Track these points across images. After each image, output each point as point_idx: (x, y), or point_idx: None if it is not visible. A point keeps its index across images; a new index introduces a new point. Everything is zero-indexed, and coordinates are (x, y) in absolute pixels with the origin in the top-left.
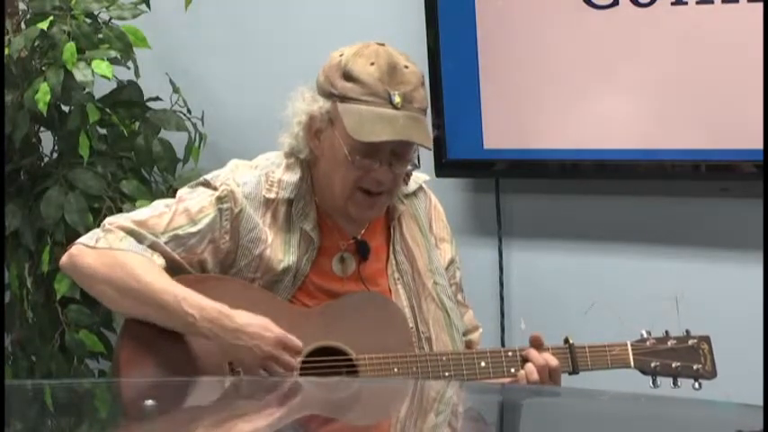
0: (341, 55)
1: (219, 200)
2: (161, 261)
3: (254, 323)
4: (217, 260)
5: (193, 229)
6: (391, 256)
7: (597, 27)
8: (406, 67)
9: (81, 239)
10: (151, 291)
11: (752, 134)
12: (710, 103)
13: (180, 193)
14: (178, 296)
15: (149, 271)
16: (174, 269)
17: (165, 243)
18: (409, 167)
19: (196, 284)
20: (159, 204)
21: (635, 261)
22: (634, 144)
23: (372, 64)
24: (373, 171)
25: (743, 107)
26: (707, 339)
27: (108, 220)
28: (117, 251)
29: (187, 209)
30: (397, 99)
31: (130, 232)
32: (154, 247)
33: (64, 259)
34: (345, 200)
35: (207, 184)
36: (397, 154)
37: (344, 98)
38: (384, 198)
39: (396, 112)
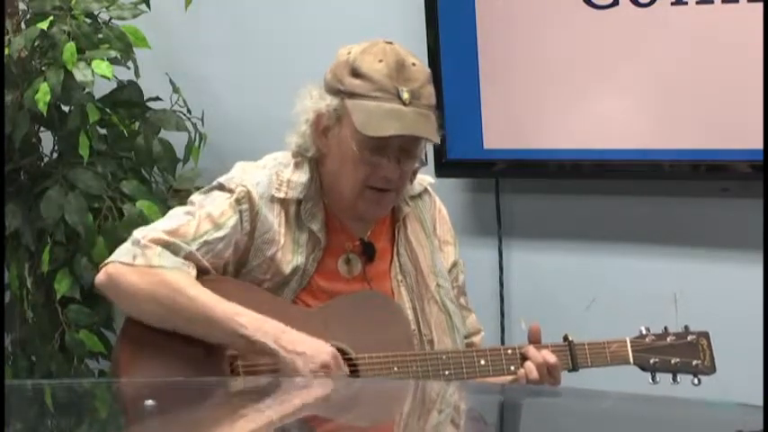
0: (348, 53)
1: (238, 202)
2: (194, 271)
3: (307, 343)
4: (235, 259)
5: (220, 234)
6: (395, 257)
7: (597, 27)
8: (414, 64)
9: (115, 257)
10: (199, 307)
11: (752, 134)
12: (710, 103)
13: (195, 199)
14: (227, 312)
15: (194, 287)
16: (201, 275)
17: (197, 250)
18: (417, 165)
19: None
20: (179, 212)
21: (635, 261)
22: (634, 144)
23: (381, 61)
24: (381, 168)
25: (743, 107)
26: (706, 335)
27: (139, 233)
28: (158, 268)
29: (209, 214)
30: (405, 95)
31: (166, 245)
32: (189, 257)
33: (101, 278)
34: (354, 197)
35: (222, 188)
36: (405, 150)
37: (353, 95)
38: (392, 195)
39: (404, 108)
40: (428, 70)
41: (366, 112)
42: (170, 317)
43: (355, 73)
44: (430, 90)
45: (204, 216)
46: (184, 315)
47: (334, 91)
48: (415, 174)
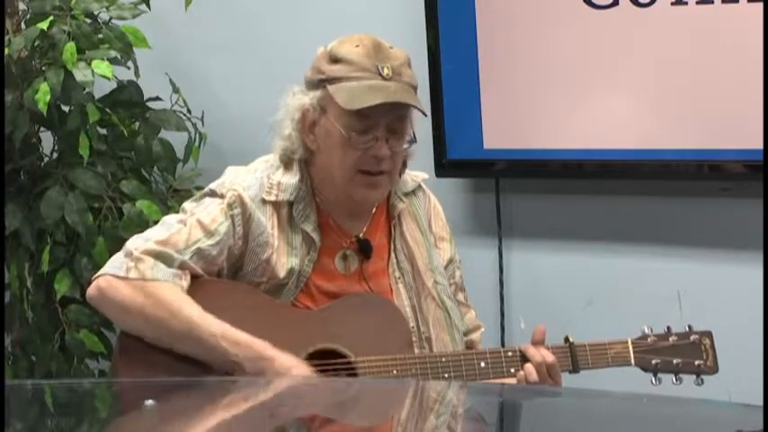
0: (325, 47)
1: (230, 206)
2: (187, 281)
3: (296, 370)
4: (230, 264)
5: (212, 241)
6: (392, 254)
7: (597, 27)
8: (391, 47)
9: (108, 269)
10: (189, 328)
11: (752, 134)
12: (710, 103)
13: (187, 206)
14: (216, 334)
15: (185, 305)
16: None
17: (190, 259)
18: (406, 145)
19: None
20: (171, 220)
21: (635, 261)
22: (634, 144)
23: (357, 46)
24: (371, 148)
25: (743, 107)
26: (709, 335)
27: (131, 245)
28: (151, 282)
29: (200, 221)
30: (386, 71)
31: (158, 256)
32: (182, 266)
33: (92, 292)
34: (347, 184)
35: (213, 194)
36: (393, 129)
37: (333, 79)
38: (385, 179)
39: (387, 82)
40: (407, 53)
41: (348, 90)
42: (158, 334)
43: (334, 59)
44: (411, 72)
45: (195, 224)
46: (172, 334)
47: (315, 83)
48: (405, 164)
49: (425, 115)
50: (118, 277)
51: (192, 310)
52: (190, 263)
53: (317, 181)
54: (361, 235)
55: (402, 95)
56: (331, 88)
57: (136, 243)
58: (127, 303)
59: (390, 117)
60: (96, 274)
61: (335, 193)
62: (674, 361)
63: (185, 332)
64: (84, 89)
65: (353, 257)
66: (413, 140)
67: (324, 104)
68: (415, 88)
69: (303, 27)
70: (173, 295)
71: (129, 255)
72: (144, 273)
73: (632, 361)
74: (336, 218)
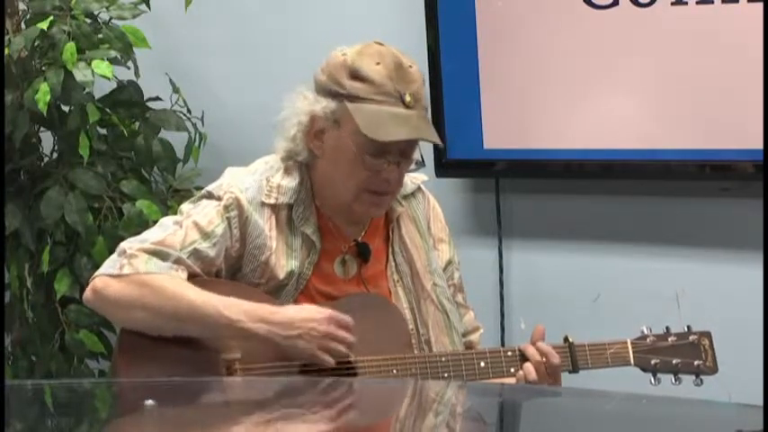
0: (343, 54)
1: (226, 209)
2: (183, 276)
3: (303, 310)
4: (228, 266)
5: (209, 243)
6: (390, 257)
7: (597, 27)
8: (410, 66)
9: (102, 270)
10: (190, 307)
11: (752, 134)
12: (711, 103)
13: (184, 208)
14: (218, 306)
15: (182, 288)
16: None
17: (187, 258)
18: (413, 167)
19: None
20: (168, 222)
21: (635, 261)
22: (634, 144)
23: (378, 63)
24: (383, 171)
25: (743, 107)
26: (708, 335)
27: (125, 245)
28: (145, 275)
29: (196, 223)
30: (408, 98)
31: (153, 253)
32: (178, 262)
33: (88, 294)
34: (351, 200)
35: (210, 196)
36: (405, 153)
37: (354, 98)
38: (389, 198)
39: (409, 112)
40: (421, 72)
41: (370, 115)
42: (160, 321)
43: (355, 75)
44: (425, 92)
45: (191, 225)
46: (174, 317)
47: (332, 93)
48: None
49: (441, 145)
50: (112, 276)
51: (189, 291)
52: (186, 260)
53: (318, 185)
54: (359, 239)
55: (424, 130)
56: (351, 106)
57: (130, 243)
58: (124, 298)
59: (406, 143)
60: (92, 277)
61: (336, 198)
62: (674, 361)
63: (187, 313)
64: (84, 89)
65: (352, 261)
66: (421, 164)
67: (338, 118)
68: (427, 110)
69: (303, 27)
70: (168, 282)
71: (122, 253)
72: (138, 267)
73: (632, 361)
74: (336, 221)
